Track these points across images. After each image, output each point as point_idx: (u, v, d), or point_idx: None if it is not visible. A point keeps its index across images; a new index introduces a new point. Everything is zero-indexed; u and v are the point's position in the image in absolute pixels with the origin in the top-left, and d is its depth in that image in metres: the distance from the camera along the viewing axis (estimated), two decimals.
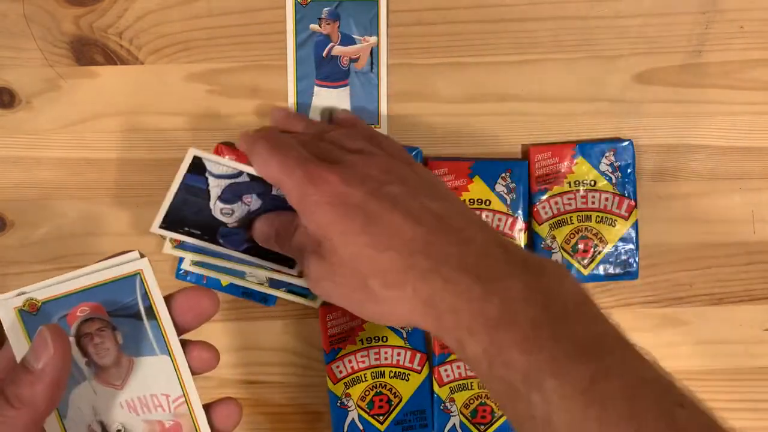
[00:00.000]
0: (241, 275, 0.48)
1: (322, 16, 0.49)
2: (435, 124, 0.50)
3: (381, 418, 0.50)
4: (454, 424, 0.50)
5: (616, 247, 0.50)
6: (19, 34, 0.49)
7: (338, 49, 0.49)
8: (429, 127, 0.50)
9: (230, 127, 0.50)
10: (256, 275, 0.48)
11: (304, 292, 0.48)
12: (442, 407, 0.50)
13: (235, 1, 0.49)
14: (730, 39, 0.50)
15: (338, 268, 0.38)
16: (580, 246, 0.50)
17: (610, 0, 0.50)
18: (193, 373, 0.37)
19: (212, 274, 0.48)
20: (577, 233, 0.50)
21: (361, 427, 0.50)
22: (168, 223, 0.43)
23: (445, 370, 0.50)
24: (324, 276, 0.39)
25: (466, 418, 0.50)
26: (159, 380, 0.36)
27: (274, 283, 0.48)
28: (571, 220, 0.50)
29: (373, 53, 0.49)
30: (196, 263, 0.48)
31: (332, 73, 0.50)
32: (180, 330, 0.36)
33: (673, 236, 0.51)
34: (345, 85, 0.50)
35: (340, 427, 0.49)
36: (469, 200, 0.49)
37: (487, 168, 0.49)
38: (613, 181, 0.50)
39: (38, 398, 0.32)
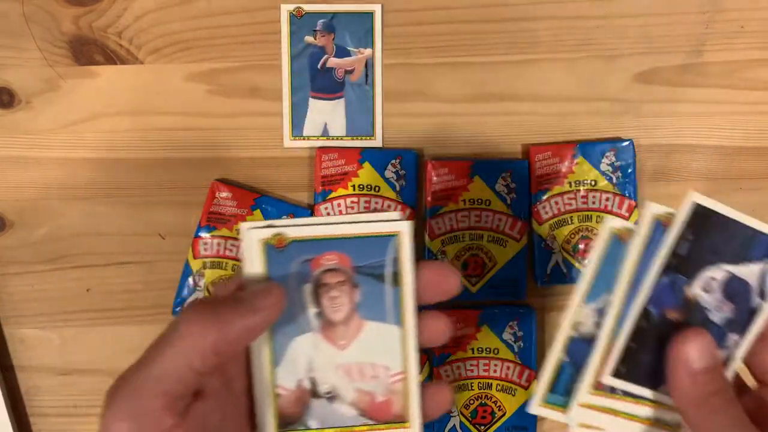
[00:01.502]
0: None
1: (317, 28, 0.49)
2: (435, 124, 0.50)
3: None
4: (454, 425, 0.50)
5: None
6: (18, 33, 0.49)
7: (333, 61, 0.49)
8: (429, 127, 0.50)
9: (230, 127, 0.50)
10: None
11: None
12: None
13: (235, 0, 0.49)
14: (731, 39, 0.50)
15: None
16: (581, 246, 0.50)
17: (610, 0, 0.50)
18: (423, 345, 0.34)
19: None
20: (578, 233, 0.50)
21: None
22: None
23: (445, 371, 0.49)
24: None
25: (467, 419, 0.50)
26: (383, 350, 0.34)
27: None
28: (571, 220, 0.50)
29: (368, 65, 0.49)
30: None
31: (327, 85, 0.49)
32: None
33: None
34: (340, 97, 0.50)
35: None
36: (469, 200, 0.49)
37: (488, 168, 0.49)
38: (614, 181, 0.50)
39: (232, 327, 0.30)
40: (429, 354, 0.50)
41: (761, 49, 0.50)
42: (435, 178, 0.49)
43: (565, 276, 0.50)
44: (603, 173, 0.50)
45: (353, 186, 0.49)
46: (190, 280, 0.49)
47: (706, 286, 0.34)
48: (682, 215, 0.33)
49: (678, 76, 0.50)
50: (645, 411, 0.34)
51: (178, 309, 0.49)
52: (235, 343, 0.30)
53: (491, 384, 0.49)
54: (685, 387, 0.32)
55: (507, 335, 0.49)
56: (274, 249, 0.33)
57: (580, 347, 0.34)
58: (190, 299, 0.49)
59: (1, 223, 0.50)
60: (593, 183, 0.50)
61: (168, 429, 0.28)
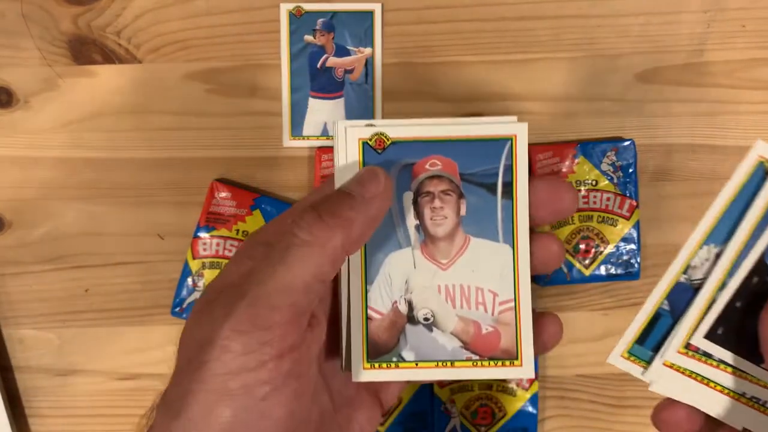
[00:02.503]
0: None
1: (317, 28, 0.49)
2: None
3: (382, 419, 0.49)
4: (455, 426, 0.50)
5: (617, 247, 0.49)
6: (17, 33, 0.49)
7: (333, 61, 0.49)
8: None
9: (229, 126, 0.50)
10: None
11: None
12: (442, 409, 0.50)
13: None
14: (732, 38, 0.50)
15: None
16: (582, 246, 0.50)
17: None
18: (536, 270, 0.30)
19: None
20: (579, 233, 0.50)
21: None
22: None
23: None
24: None
25: (467, 420, 0.50)
26: (492, 273, 0.29)
27: None
28: (572, 220, 0.49)
29: (368, 64, 0.49)
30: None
31: (327, 84, 0.49)
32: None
33: (674, 236, 0.51)
34: (340, 97, 0.49)
35: None
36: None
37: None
38: (615, 180, 0.49)
39: (354, 222, 0.27)
40: None
41: (762, 48, 0.50)
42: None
43: (567, 276, 0.49)
44: (604, 173, 0.49)
45: None
46: (189, 280, 0.49)
47: None
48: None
49: (679, 75, 0.50)
50: (742, 385, 0.29)
51: (177, 309, 0.49)
52: (359, 242, 0.27)
53: (492, 385, 0.49)
54: None
55: None
56: (373, 150, 0.30)
57: (685, 296, 0.29)
58: (189, 300, 0.49)
59: (0, 222, 0.50)
60: (594, 183, 0.49)
61: (289, 347, 0.26)
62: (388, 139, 0.29)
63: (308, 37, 0.49)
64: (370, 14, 0.49)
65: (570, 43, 0.50)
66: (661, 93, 0.50)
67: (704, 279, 0.28)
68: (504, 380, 0.49)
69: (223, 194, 0.49)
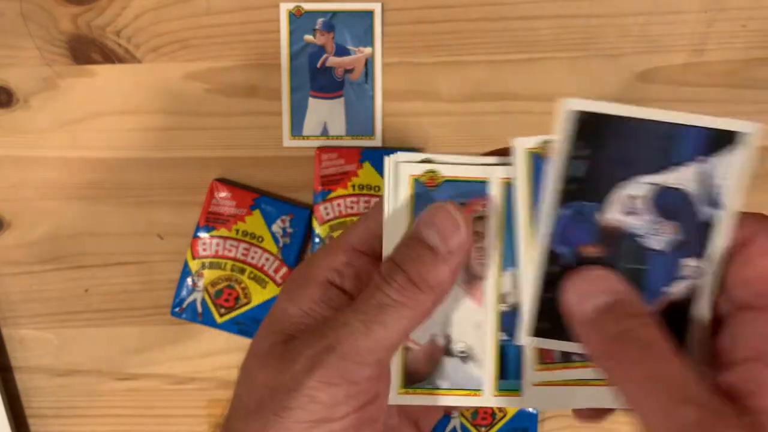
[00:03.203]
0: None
1: (317, 27, 0.49)
2: (435, 123, 0.50)
3: None
4: (455, 426, 0.50)
5: None
6: (16, 32, 0.49)
7: (333, 60, 0.49)
8: (429, 126, 0.50)
9: (229, 126, 0.50)
10: None
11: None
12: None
13: None
14: (733, 38, 0.50)
15: None
16: None
17: None
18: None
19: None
20: None
21: None
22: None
23: None
24: None
25: (467, 420, 0.50)
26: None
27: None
28: None
29: (368, 64, 0.49)
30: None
31: (327, 84, 0.49)
32: None
33: None
34: (339, 96, 0.49)
35: None
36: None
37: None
38: None
39: (443, 283, 0.27)
40: None
41: (763, 48, 0.50)
42: None
43: None
44: None
45: (353, 186, 0.49)
46: (189, 280, 0.49)
47: (627, 208, 0.28)
48: (562, 128, 0.28)
49: (680, 75, 0.50)
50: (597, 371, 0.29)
51: (176, 309, 0.49)
52: (445, 297, 0.28)
53: None
54: (582, 339, 0.26)
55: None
56: (424, 188, 0.29)
57: (515, 321, 0.30)
58: (189, 300, 0.49)
59: None
60: None
61: (370, 399, 0.27)
62: (440, 178, 0.29)
63: (308, 37, 0.49)
64: (370, 14, 0.49)
65: (570, 43, 0.50)
66: (662, 93, 0.50)
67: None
68: None
69: (223, 194, 0.49)
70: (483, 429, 0.50)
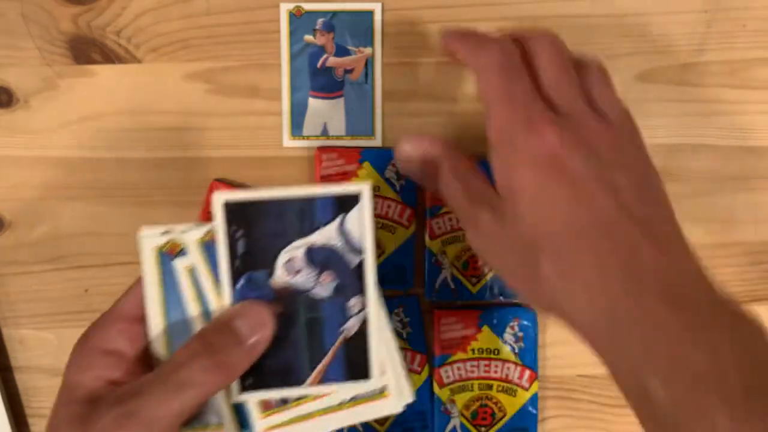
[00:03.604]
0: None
1: (317, 27, 0.49)
2: (435, 123, 0.50)
3: (381, 419, 0.49)
4: (455, 426, 0.50)
5: None
6: (16, 32, 0.49)
7: (333, 60, 0.49)
8: (429, 127, 0.50)
9: (229, 126, 0.50)
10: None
11: None
12: (442, 409, 0.50)
13: None
14: (733, 38, 0.50)
15: (512, 234, 0.32)
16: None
17: None
18: None
19: None
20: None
21: (360, 429, 0.49)
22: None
23: (446, 372, 0.49)
24: (493, 238, 0.33)
25: (467, 420, 0.50)
26: None
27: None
28: None
29: (368, 64, 0.49)
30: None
31: (327, 84, 0.49)
32: None
33: None
34: (340, 97, 0.49)
35: None
36: None
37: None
38: None
39: (242, 369, 0.32)
40: (429, 355, 0.50)
41: (763, 48, 0.50)
42: None
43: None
44: None
45: None
46: None
47: (289, 269, 0.33)
48: (217, 218, 0.33)
49: (679, 75, 0.50)
50: (315, 405, 0.34)
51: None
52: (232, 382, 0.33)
53: (492, 385, 0.49)
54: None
55: (507, 336, 0.49)
56: (167, 255, 0.35)
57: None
58: None
59: None
60: None
61: None
62: (179, 246, 0.35)
63: (308, 37, 0.49)
64: (370, 14, 0.49)
65: (570, 43, 0.50)
66: (662, 93, 0.50)
67: None
68: (505, 380, 0.49)
69: None
70: (483, 429, 0.50)
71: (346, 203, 0.33)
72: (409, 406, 0.49)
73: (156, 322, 0.34)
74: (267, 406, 0.34)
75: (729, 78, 0.50)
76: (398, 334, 0.49)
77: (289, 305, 0.33)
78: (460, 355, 0.49)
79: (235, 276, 0.33)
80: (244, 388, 0.33)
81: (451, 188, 0.36)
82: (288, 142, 0.50)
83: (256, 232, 0.33)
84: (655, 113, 0.50)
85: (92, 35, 0.49)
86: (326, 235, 0.33)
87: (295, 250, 0.33)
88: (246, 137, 0.50)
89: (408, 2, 0.49)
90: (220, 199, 0.34)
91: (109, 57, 0.49)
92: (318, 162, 0.49)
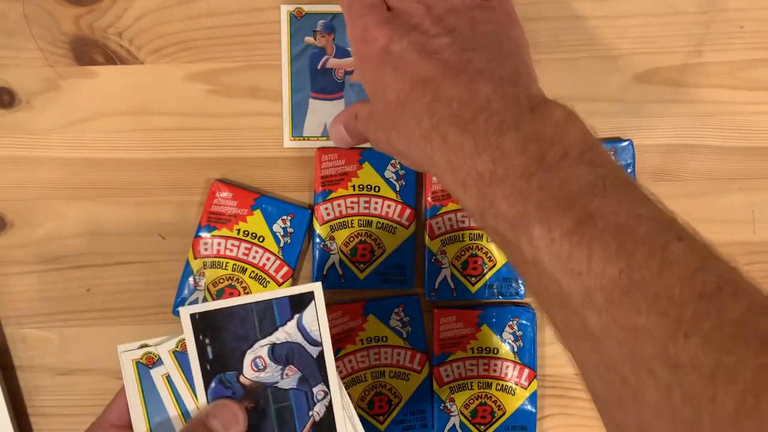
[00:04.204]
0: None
1: (317, 29, 0.49)
2: None
3: (381, 418, 0.50)
4: (454, 424, 0.50)
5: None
6: (19, 33, 0.49)
7: (333, 62, 0.49)
8: None
9: (230, 127, 0.50)
10: None
11: None
12: (441, 407, 0.50)
13: (235, 1, 0.49)
14: (731, 39, 0.50)
15: (378, 117, 0.39)
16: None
17: (610, 0, 0.50)
18: None
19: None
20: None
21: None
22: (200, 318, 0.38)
23: (445, 370, 0.50)
24: (373, 126, 0.40)
25: (466, 418, 0.50)
26: None
27: None
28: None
29: None
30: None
31: (327, 85, 0.49)
32: None
33: None
34: (340, 98, 0.50)
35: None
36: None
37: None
38: None
39: None
40: (429, 354, 0.50)
41: (761, 48, 0.50)
42: (435, 179, 0.49)
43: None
44: None
45: (353, 186, 0.49)
46: (191, 280, 0.49)
47: (256, 367, 0.37)
48: (186, 330, 0.37)
49: (678, 76, 0.50)
50: None
51: (178, 309, 0.49)
52: None
53: (491, 383, 0.50)
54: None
55: (507, 335, 0.50)
56: (145, 366, 0.38)
57: None
58: (191, 299, 0.49)
59: (1, 223, 0.50)
60: None
61: None
62: (156, 355, 0.37)
63: (309, 39, 0.49)
64: None
65: (569, 44, 0.50)
66: (660, 94, 0.50)
67: None
68: (504, 378, 0.50)
69: (224, 194, 0.49)
70: (482, 427, 0.50)
71: (300, 302, 0.37)
72: (408, 405, 0.50)
73: (140, 427, 0.38)
74: None
75: (727, 79, 0.50)
76: (398, 334, 0.50)
77: (258, 399, 0.37)
78: (459, 354, 0.50)
79: (207, 379, 0.37)
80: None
81: (356, 136, 0.44)
82: (288, 142, 0.50)
83: (222, 338, 0.37)
84: (654, 114, 0.51)
85: (94, 36, 0.49)
86: (286, 333, 0.37)
87: (259, 349, 0.37)
88: (247, 138, 0.50)
89: None
90: (186, 312, 0.37)
91: (111, 58, 0.49)
92: (318, 162, 0.49)
